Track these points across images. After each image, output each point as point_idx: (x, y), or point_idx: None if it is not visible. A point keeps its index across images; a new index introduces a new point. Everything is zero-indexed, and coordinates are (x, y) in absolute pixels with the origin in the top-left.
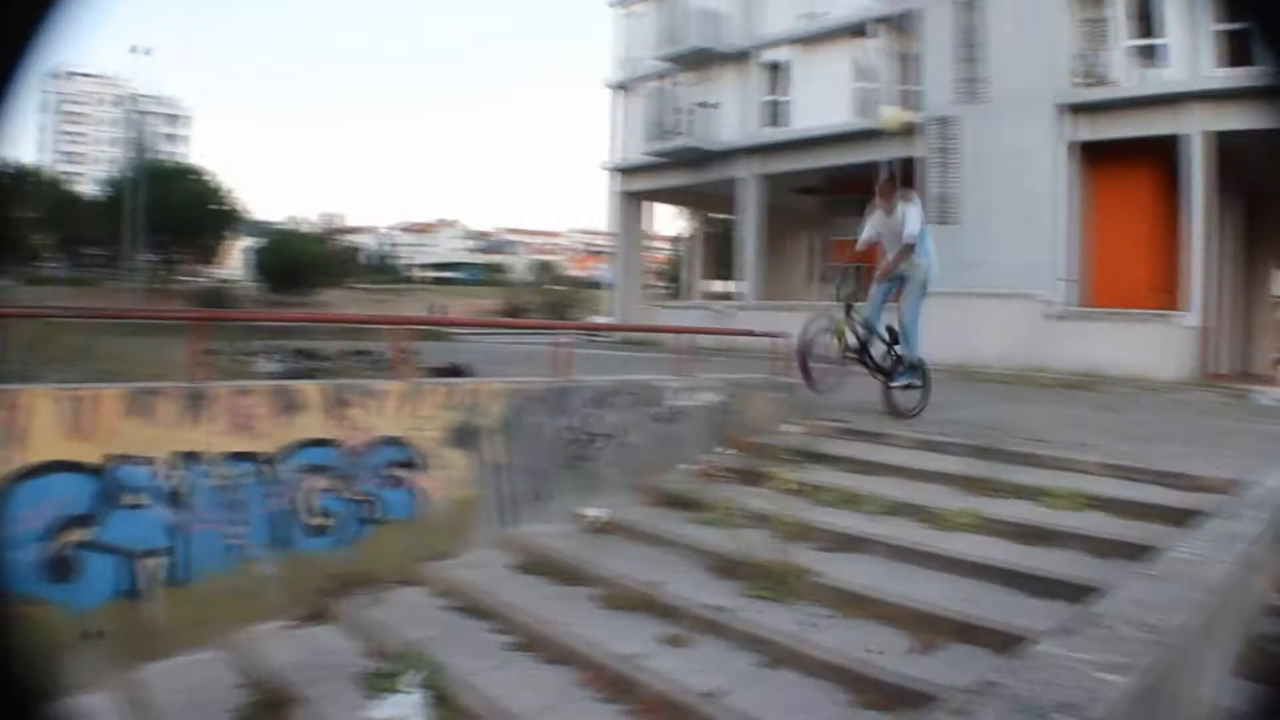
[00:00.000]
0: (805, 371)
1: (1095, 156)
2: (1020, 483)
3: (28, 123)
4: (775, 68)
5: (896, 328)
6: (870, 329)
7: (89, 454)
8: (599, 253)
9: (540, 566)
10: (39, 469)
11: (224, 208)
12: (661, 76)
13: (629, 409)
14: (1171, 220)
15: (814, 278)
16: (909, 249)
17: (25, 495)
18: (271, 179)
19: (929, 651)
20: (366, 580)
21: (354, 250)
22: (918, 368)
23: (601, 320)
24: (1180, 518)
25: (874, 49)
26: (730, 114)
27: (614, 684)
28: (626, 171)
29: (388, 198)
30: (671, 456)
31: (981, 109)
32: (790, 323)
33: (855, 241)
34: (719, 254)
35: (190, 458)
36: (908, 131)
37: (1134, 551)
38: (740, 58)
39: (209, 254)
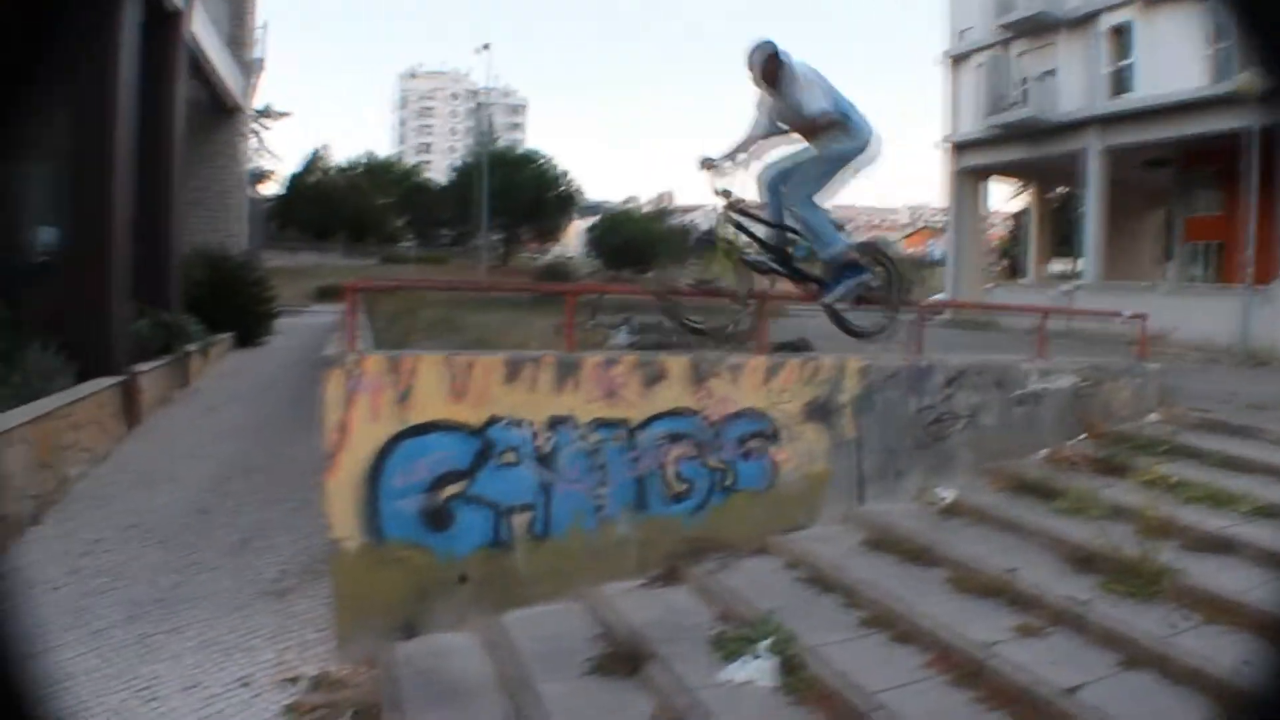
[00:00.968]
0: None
1: None
2: None
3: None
4: (1118, 31)
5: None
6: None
7: (469, 415)
8: (932, 229)
9: (889, 544)
10: (424, 427)
11: (563, 190)
12: (996, 46)
13: (985, 390)
14: None
15: (1164, 258)
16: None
17: (411, 450)
18: (606, 160)
19: None
20: (718, 547)
21: (687, 228)
22: (855, 264)
23: (939, 298)
24: None
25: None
26: (1070, 83)
27: (964, 668)
28: (962, 146)
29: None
30: (1026, 441)
31: None
32: (1138, 305)
33: (1211, 219)
34: (1058, 232)
35: (560, 422)
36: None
37: None
38: (1080, 22)
39: (549, 234)
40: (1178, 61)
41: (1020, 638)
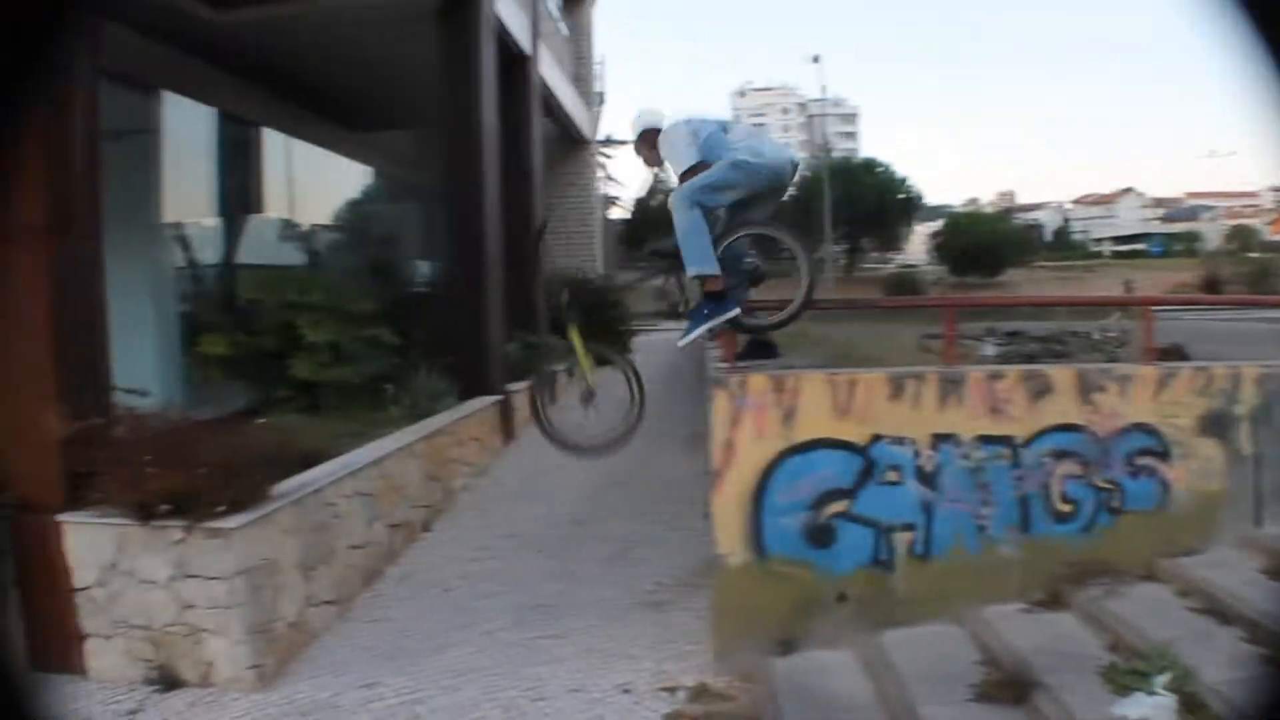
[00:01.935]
0: None
1: None
2: None
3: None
4: None
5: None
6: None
7: (852, 433)
8: None
9: None
10: (808, 445)
11: (904, 196)
12: None
13: None
14: None
15: None
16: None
17: (795, 468)
18: (942, 162)
19: None
20: (1104, 571)
21: (1034, 228)
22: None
23: None
24: None
25: None
26: None
27: None
28: None
29: (1061, 170)
30: None
31: None
32: None
33: None
34: None
35: (943, 439)
36: None
37: None
38: None
39: (893, 241)
40: None
41: None
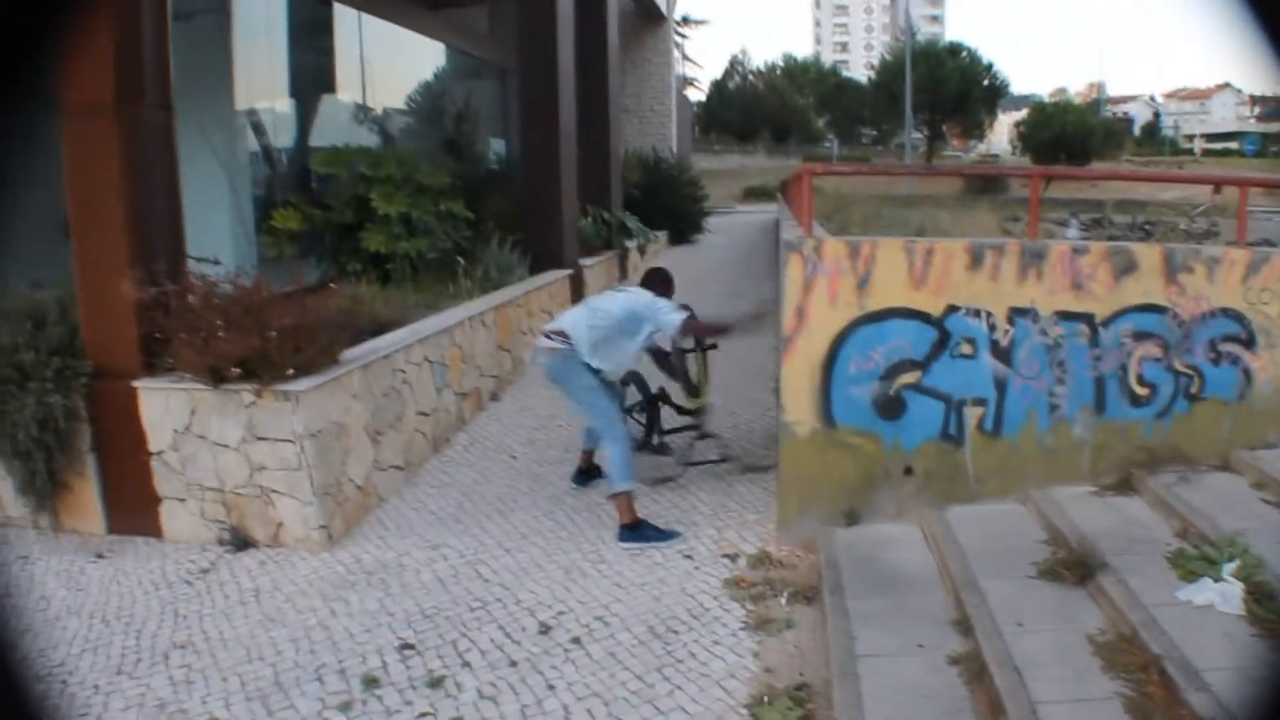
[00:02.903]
0: None
1: None
2: None
3: (802, 19)
4: None
5: None
6: None
7: (927, 303)
8: None
9: None
10: (882, 314)
11: (989, 83)
12: None
13: None
14: None
15: None
16: None
17: (868, 337)
18: (1033, 50)
19: None
20: (1177, 458)
21: (1123, 120)
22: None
23: None
24: None
25: None
26: None
27: None
28: None
29: (1157, 62)
30: None
31: None
32: None
33: None
34: None
35: (1020, 314)
36: None
37: None
38: None
39: (974, 130)
40: None
41: None
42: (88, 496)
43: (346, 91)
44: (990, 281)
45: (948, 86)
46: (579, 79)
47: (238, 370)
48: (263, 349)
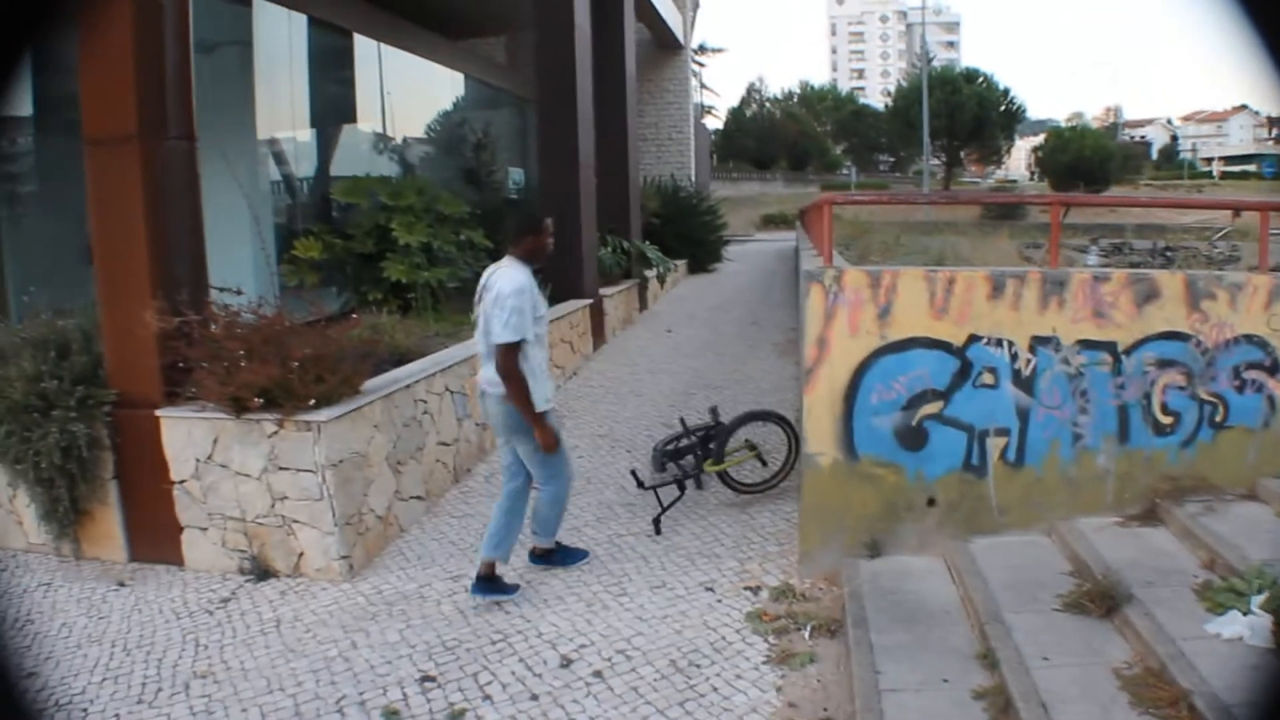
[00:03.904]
0: None
1: None
2: None
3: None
4: None
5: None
6: None
7: (949, 333)
8: None
9: None
10: (904, 344)
11: (1005, 109)
12: None
13: None
14: None
15: None
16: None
17: (889, 367)
18: (1046, 75)
19: None
20: (1202, 487)
21: (1141, 144)
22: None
23: None
24: None
25: None
26: None
27: None
28: None
29: (1171, 85)
30: None
31: None
32: None
33: None
34: None
35: (1042, 342)
36: None
37: None
38: None
39: (991, 155)
40: None
41: None
42: (110, 524)
43: (366, 121)
44: (1012, 310)
45: (964, 112)
46: (597, 108)
47: (260, 400)
48: (284, 379)
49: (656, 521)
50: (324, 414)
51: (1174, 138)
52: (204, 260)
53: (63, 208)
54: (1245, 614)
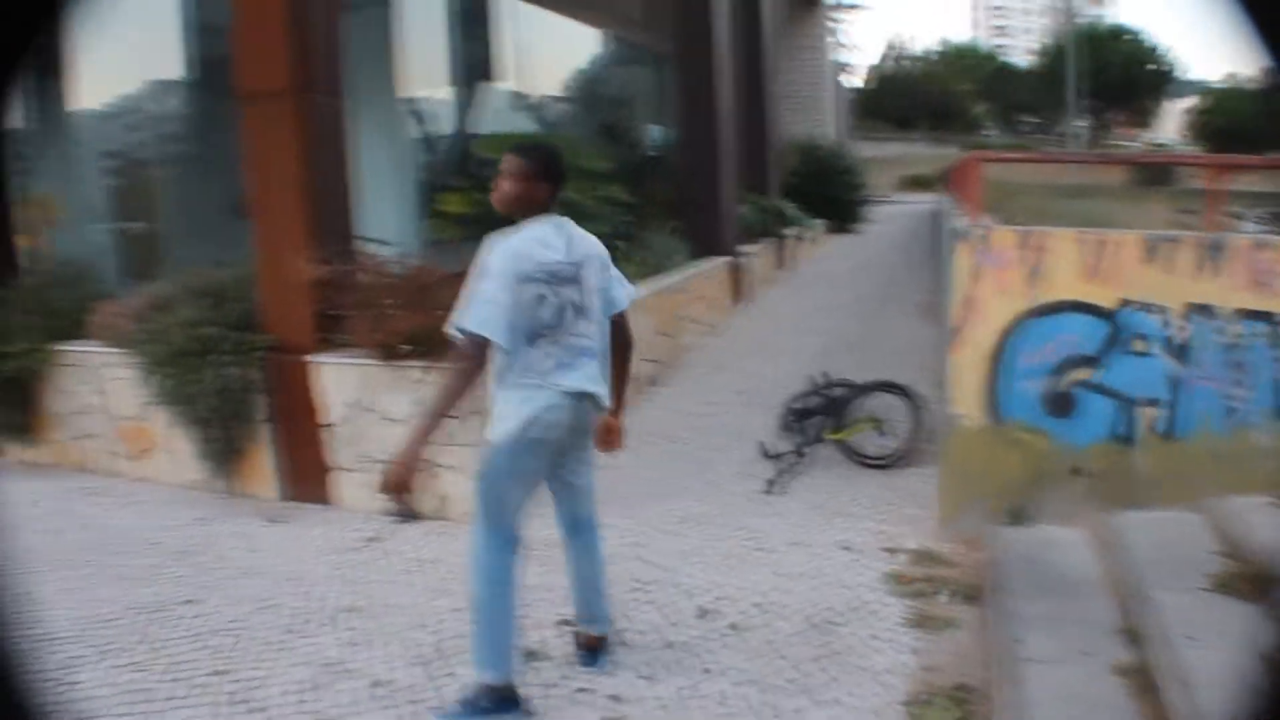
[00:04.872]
0: None
1: None
2: None
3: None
4: None
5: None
6: None
7: (1103, 297)
8: None
9: None
10: (1054, 307)
11: (1159, 68)
12: None
13: None
14: None
15: None
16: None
17: (1039, 330)
18: (1203, 31)
19: None
20: None
21: None
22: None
23: None
24: None
25: None
26: None
27: None
28: None
29: None
30: None
31: None
32: None
33: None
34: None
35: (1200, 310)
36: None
37: None
38: None
39: (1143, 117)
40: None
41: None
42: (262, 464)
43: (505, 78)
44: (1165, 276)
45: (1111, 72)
46: (734, 64)
47: (407, 347)
48: (431, 327)
49: (771, 483)
50: None
51: None
52: (353, 212)
53: (214, 165)
54: None
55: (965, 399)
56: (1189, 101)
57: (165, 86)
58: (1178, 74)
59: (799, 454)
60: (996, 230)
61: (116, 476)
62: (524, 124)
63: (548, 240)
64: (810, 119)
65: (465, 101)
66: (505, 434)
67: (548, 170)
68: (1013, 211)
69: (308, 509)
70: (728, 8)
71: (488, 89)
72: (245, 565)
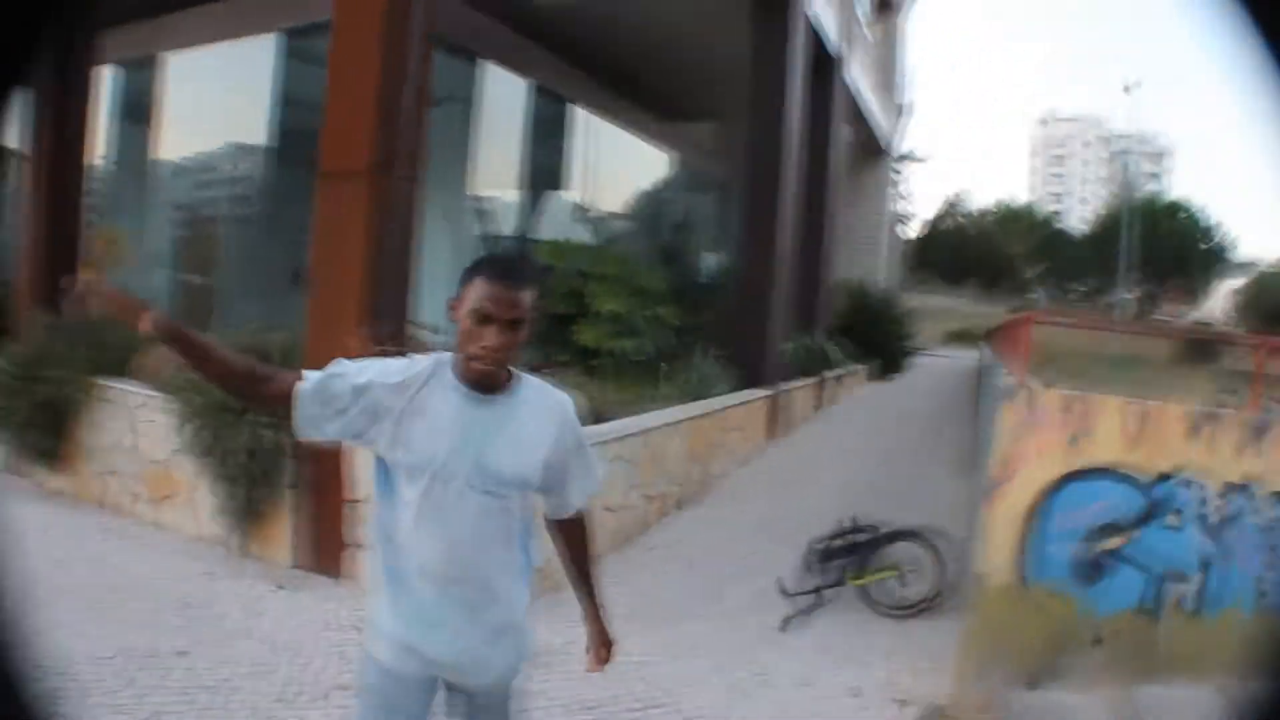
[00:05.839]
0: None
1: None
2: None
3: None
4: None
5: None
6: None
7: (1140, 467)
8: None
9: None
10: (1092, 472)
11: (1209, 245)
12: None
13: None
14: None
15: None
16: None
17: (1077, 494)
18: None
19: None
20: None
21: None
22: None
23: None
24: None
25: None
26: None
27: None
28: None
29: None
30: None
31: None
32: None
33: None
34: None
35: (1237, 489)
36: None
37: None
38: None
39: (1190, 293)
40: None
41: None
42: (281, 529)
43: (571, 188)
44: (1207, 452)
45: (1164, 247)
46: (798, 203)
47: None
48: None
49: (787, 620)
50: None
51: None
52: (410, 296)
53: (279, 232)
54: None
55: (996, 556)
56: (1239, 281)
57: (245, 150)
58: (1230, 253)
59: (818, 594)
60: (1043, 391)
61: (132, 518)
62: (582, 234)
63: None
64: (863, 264)
65: (530, 207)
66: None
67: None
68: (1056, 376)
69: (318, 580)
70: (798, 144)
71: (554, 197)
72: (245, 627)
